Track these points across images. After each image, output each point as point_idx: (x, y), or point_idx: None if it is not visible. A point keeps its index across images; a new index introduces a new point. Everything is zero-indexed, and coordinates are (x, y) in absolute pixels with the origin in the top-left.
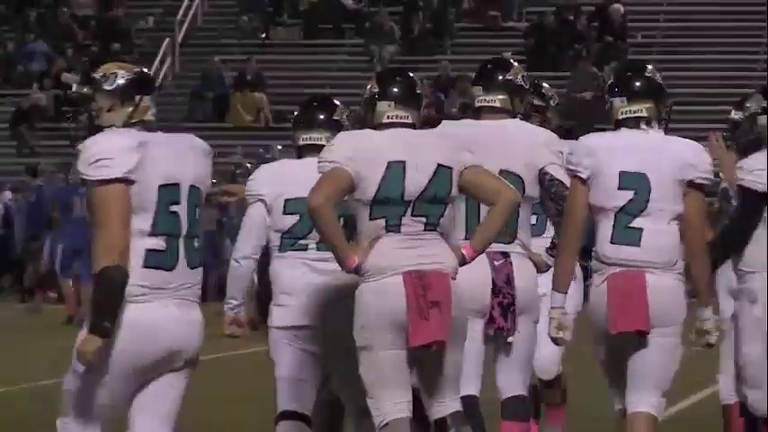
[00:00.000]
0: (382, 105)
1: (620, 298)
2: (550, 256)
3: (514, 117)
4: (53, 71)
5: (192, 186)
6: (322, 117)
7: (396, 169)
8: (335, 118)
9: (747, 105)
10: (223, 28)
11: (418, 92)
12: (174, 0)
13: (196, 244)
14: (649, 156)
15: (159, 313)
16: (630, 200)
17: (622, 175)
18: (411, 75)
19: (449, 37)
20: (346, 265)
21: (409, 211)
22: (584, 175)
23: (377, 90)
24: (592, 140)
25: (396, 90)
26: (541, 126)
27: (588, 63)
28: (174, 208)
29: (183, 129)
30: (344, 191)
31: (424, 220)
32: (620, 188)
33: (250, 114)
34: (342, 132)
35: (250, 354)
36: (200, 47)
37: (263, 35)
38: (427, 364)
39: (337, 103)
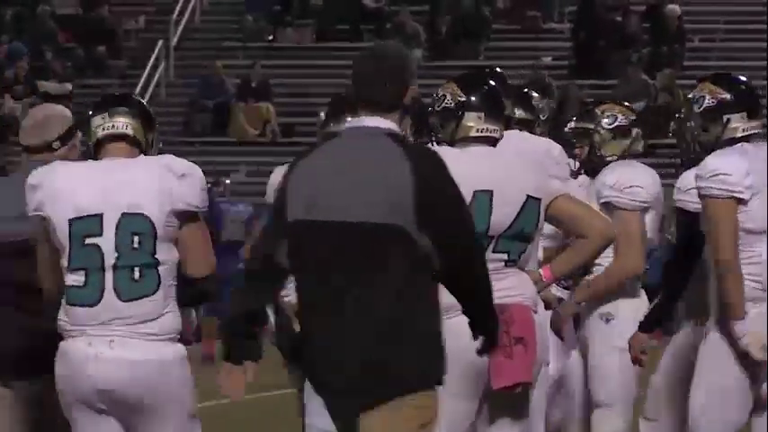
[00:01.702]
0: (470, 117)
1: None
2: (564, 288)
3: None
4: (27, 76)
5: (124, 214)
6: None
7: (482, 200)
8: None
9: None
10: (224, 28)
11: (504, 101)
12: None
13: (136, 274)
14: None
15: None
16: None
17: None
18: (493, 82)
19: (484, 39)
20: None
21: (491, 246)
22: (746, 196)
23: (464, 99)
24: (742, 158)
25: (485, 99)
26: None
27: (639, 69)
28: (91, 240)
29: (179, 143)
30: None
31: (505, 257)
32: None
33: (255, 127)
34: None
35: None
36: (199, 50)
37: (270, 37)
38: (503, 410)
39: None
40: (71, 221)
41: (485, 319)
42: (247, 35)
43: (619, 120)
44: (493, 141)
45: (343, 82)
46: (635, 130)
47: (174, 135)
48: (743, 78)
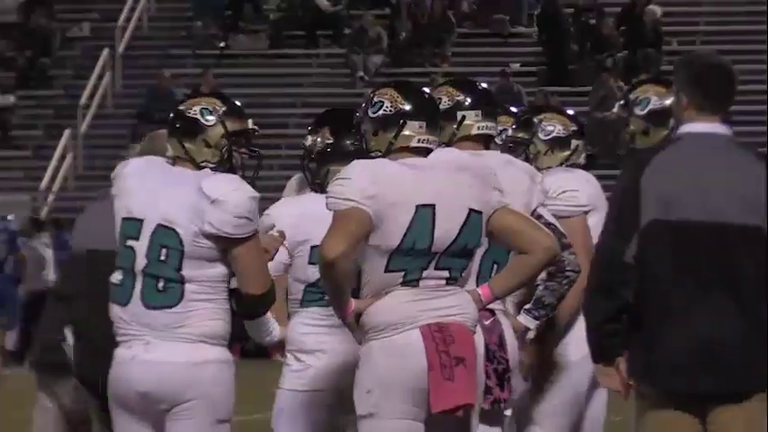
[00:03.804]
0: (413, 126)
1: None
2: (534, 318)
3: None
4: None
5: (159, 225)
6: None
7: (425, 215)
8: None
9: None
10: (173, 35)
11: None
12: (115, 2)
13: (160, 285)
14: None
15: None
16: None
17: None
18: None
19: (448, 44)
20: (344, 313)
21: (433, 264)
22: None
23: (407, 108)
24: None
25: (427, 108)
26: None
27: (614, 76)
28: (130, 243)
29: (125, 157)
30: (364, 237)
31: (446, 274)
32: None
33: None
34: (357, 161)
35: None
36: (146, 58)
37: (222, 44)
38: None
39: None
40: (123, 220)
41: None
42: (198, 42)
43: (557, 131)
44: (429, 152)
45: (299, 91)
46: (575, 142)
47: (121, 148)
48: None
